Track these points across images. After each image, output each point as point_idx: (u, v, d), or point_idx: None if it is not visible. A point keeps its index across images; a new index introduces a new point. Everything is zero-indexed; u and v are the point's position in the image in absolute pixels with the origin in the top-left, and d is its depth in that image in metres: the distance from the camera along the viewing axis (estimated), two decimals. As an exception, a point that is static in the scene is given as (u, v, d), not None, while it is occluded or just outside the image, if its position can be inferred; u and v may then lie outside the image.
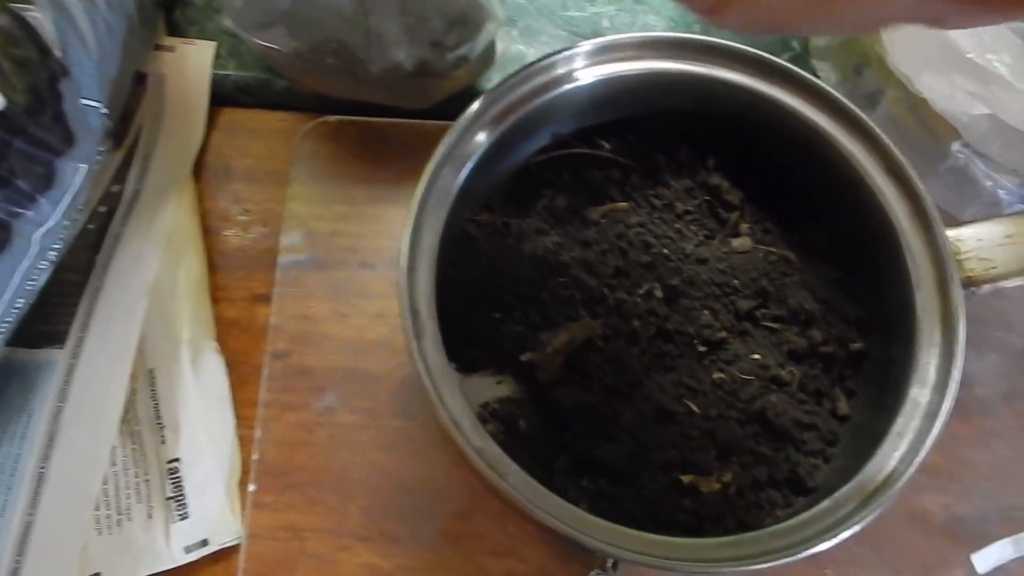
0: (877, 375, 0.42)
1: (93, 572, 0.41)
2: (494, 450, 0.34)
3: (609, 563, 0.43)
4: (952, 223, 0.40)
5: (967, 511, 0.44)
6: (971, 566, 0.44)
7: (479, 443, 0.34)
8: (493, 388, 0.43)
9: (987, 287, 0.39)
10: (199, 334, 0.45)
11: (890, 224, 0.40)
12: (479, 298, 0.44)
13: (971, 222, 0.40)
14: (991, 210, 0.45)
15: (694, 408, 0.41)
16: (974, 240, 0.40)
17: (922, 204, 0.39)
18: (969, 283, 0.39)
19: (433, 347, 0.35)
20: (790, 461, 0.40)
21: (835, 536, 0.33)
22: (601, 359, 0.42)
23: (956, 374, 0.36)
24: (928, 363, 0.37)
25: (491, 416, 0.42)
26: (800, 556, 0.32)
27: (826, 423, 0.41)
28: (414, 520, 0.43)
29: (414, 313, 0.35)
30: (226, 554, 0.42)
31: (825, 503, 0.35)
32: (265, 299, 0.47)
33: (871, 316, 0.43)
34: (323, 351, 0.46)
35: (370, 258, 0.47)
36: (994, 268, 0.39)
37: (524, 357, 0.43)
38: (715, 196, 0.46)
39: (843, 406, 0.42)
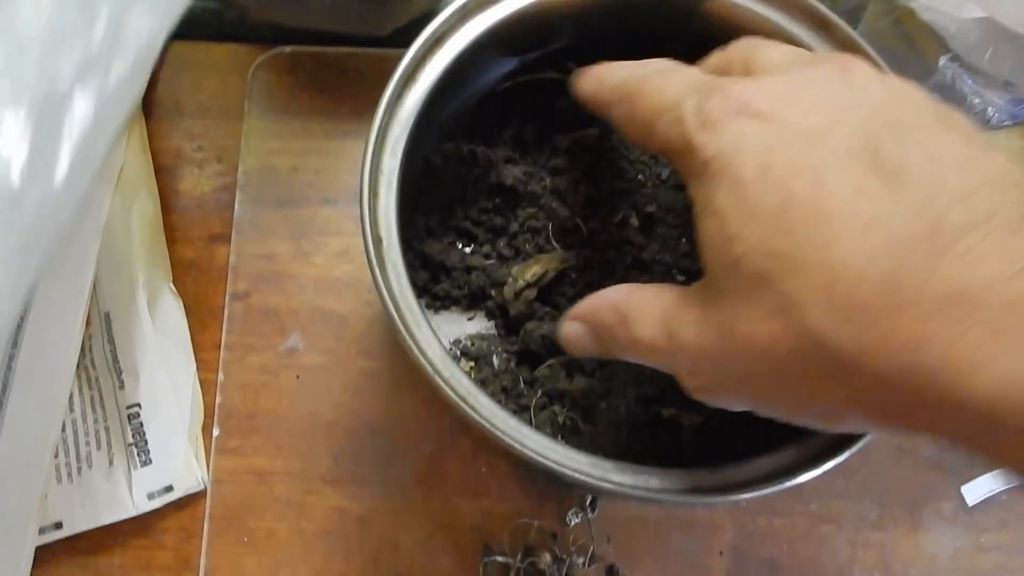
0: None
1: (54, 521, 0.40)
2: (466, 382, 0.32)
3: (588, 501, 0.41)
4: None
5: (956, 441, 0.43)
6: (961, 498, 0.42)
7: (449, 375, 0.32)
8: (463, 325, 0.42)
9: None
10: (155, 276, 0.43)
11: None
12: (446, 231, 0.43)
13: None
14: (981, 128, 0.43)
15: (673, 340, 0.40)
16: None
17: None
18: None
19: (398, 277, 0.34)
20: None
21: (820, 466, 0.32)
22: (574, 292, 0.41)
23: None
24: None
25: (463, 354, 0.41)
26: (785, 486, 0.31)
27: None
28: (384, 463, 0.42)
29: (376, 242, 0.34)
30: (191, 500, 0.41)
31: (810, 434, 0.33)
32: (223, 239, 0.45)
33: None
34: (286, 291, 0.44)
35: (332, 194, 0.45)
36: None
37: (493, 292, 0.41)
38: (691, 119, 0.43)
39: None
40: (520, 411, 0.39)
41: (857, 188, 0.20)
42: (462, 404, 0.31)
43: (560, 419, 0.38)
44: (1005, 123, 0.43)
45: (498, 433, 0.31)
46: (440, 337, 0.33)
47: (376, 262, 0.33)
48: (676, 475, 0.32)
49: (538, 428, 0.38)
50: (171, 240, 0.45)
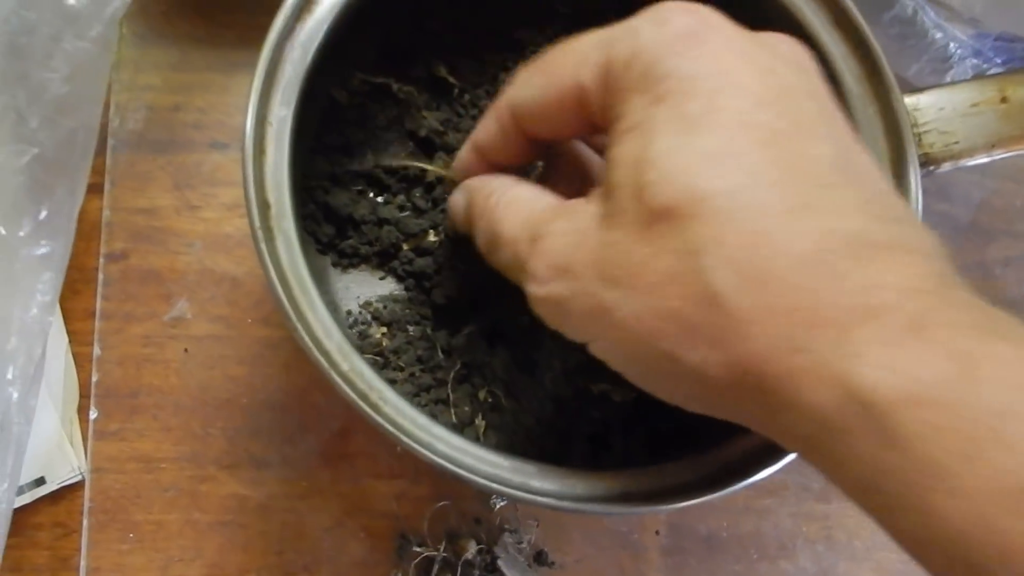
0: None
1: (-98, 520, 0.35)
2: (368, 375, 0.28)
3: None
4: (904, 87, 0.33)
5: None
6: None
7: (349, 367, 0.28)
8: (375, 286, 0.37)
9: (947, 165, 0.32)
10: (13, 235, 0.37)
11: (838, 87, 0.33)
12: (355, 178, 0.37)
13: (930, 88, 0.33)
14: (940, 66, 0.39)
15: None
16: (934, 109, 0.32)
17: (877, 65, 0.32)
18: (927, 161, 0.32)
19: (288, 247, 0.29)
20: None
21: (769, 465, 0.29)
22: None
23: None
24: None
25: (374, 318, 0.36)
26: (722, 493, 0.28)
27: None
28: (286, 442, 0.38)
29: (263, 207, 0.29)
30: (67, 492, 0.37)
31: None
32: (96, 189, 0.39)
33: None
34: (170, 250, 0.39)
35: (221, 136, 0.40)
36: (956, 143, 0.32)
37: (405, 246, 0.37)
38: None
39: None
40: (438, 385, 0.35)
41: (808, 174, 0.20)
42: (360, 403, 0.27)
43: (481, 395, 0.35)
44: (969, 62, 0.39)
45: (404, 438, 0.27)
46: (350, 300, 0.28)
47: (262, 235, 0.28)
48: (604, 479, 0.29)
49: (456, 405, 0.34)
50: (32, 192, 0.38)
